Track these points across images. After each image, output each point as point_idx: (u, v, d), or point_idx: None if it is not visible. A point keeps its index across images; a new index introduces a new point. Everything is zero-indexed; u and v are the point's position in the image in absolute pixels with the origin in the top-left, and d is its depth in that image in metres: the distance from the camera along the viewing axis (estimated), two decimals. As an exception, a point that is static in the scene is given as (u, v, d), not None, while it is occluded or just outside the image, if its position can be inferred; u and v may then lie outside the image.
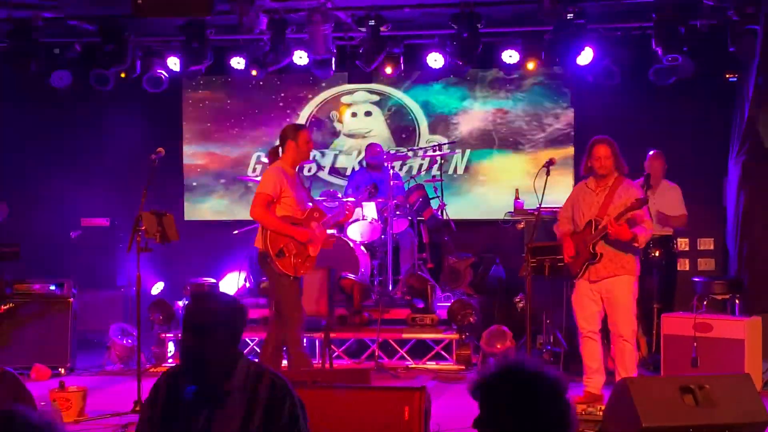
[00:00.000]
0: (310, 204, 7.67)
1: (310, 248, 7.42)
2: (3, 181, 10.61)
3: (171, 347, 9.29)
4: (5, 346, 8.83)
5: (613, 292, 7.13)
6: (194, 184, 12.17)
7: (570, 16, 9.49)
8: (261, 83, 11.78)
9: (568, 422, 2.70)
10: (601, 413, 6.44)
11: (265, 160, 11.16)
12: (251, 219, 7.63)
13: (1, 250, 8.84)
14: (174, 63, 10.88)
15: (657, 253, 8.89)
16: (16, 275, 9.18)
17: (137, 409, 6.96)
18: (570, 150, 11.30)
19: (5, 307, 8.85)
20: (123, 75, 10.73)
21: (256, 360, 6.84)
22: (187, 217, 11.95)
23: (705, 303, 8.40)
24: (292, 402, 3.63)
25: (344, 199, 9.61)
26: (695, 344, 7.84)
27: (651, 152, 9.24)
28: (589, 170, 7.31)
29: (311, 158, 10.55)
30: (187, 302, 3.68)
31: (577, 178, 9.62)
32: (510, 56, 10.44)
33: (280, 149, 7.57)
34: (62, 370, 8.78)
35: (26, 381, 7.25)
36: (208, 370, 3.59)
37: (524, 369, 2.72)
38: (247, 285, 10.43)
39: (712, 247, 10.23)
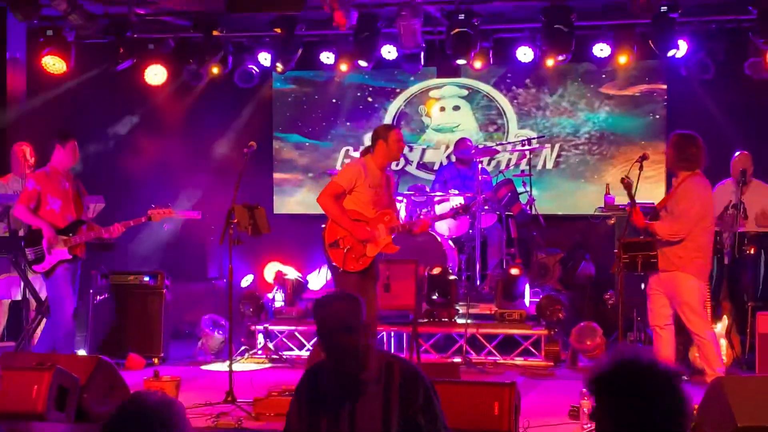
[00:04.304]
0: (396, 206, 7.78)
1: (368, 248, 7.39)
2: (99, 175, 10.84)
3: (261, 339, 9.39)
4: (101, 335, 9.02)
5: (670, 287, 7.09)
6: (283, 178, 12.31)
7: (664, 8, 9.36)
8: (350, 78, 11.83)
9: (684, 414, 2.69)
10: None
11: (353, 154, 11.23)
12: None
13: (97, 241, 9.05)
14: (264, 58, 11.00)
15: (752, 251, 8.68)
16: (111, 266, 9.38)
17: (229, 399, 7.04)
18: (662, 144, 11.10)
19: (101, 298, 9.05)
20: (216, 70, 10.89)
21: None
22: (276, 211, 12.04)
23: (802, 302, 8.19)
24: (424, 385, 3.89)
25: (422, 212, 9.64)
26: (792, 344, 7.65)
27: (738, 153, 8.98)
28: None
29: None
30: (318, 305, 3.93)
31: (670, 174, 9.45)
32: (601, 50, 10.31)
33: (372, 149, 7.58)
34: (156, 360, 8.93)
35: (121, 370, 7.39)
36: (350, 364, 3.85)
37: (639, 361, 2.71)
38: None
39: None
